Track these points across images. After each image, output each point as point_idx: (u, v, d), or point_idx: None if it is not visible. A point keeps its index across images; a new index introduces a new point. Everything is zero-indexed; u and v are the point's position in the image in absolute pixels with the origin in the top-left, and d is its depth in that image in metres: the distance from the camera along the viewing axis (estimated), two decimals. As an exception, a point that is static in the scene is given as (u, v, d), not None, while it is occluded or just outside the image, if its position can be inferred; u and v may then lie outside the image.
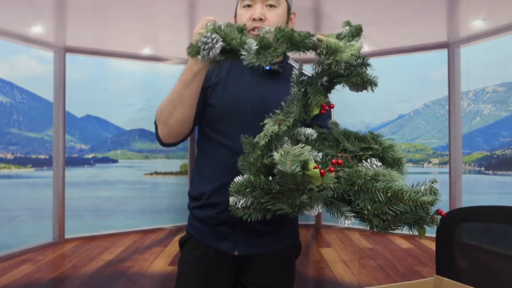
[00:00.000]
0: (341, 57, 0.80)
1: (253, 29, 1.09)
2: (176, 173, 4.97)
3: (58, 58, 4.12)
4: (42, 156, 4.14)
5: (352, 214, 0.77)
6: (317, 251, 3.75)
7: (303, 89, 0.89)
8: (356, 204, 0.76)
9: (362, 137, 0.89)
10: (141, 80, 4.74)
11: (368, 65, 0.88)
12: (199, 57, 0.85)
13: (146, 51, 4.49)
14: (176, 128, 1.09)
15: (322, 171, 0.75)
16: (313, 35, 0.83)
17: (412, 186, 0.79)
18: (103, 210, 4.49)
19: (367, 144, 0.88)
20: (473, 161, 4.16)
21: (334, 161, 0.82)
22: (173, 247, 3.86)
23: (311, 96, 0.87)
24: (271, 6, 1.11)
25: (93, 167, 4.58)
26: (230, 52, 0.85)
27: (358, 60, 0.87)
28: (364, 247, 3.84)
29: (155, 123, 1.13)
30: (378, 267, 3.22)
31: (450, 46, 4.06)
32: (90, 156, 4.58)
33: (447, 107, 4.16)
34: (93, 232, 4.28)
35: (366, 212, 0.75)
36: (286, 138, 0.84)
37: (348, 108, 4.36)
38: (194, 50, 0.86)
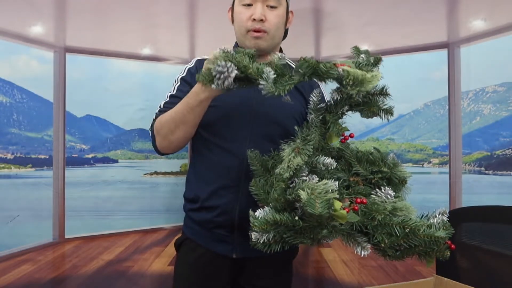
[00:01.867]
0: (366, 87, 0.80)
1: (253, 31, 1.07)
2: (176, 173, 4.97)
3: (58, 58, 4.12)
4: (42, 156, 4.14)
5: (369, 245, 0.79)
6: (317, 251, 3.74)
7: (321, 116, 0.89)
8: (374, 237, 0.78)
9: (373, 160, 0.90)
10: (141, 80, 4.75)
11: (388, 94, 0.89)
12: (213, 86, 0.83)
13: (146, 51, 4.49)
14: (176, 144, 1.08)
15: (347, 209, 0.75)
16: (336, 65, 0.82)
17: (422, 217, 0.81)
18: (103, 210, 4.49)
19: (377, 167, 0.89)
20: (473, 161, 4.16)
21: (359, 200, 0.82)
22: (173, 247, 3.85)
23: (331, 125, 0.87)
24: (272, 7, 1.08)
25: (93, 167, 4.58)
26: (243, 80, 0.84)
27: (377, 87, 0.88)
28: (364, 247, 3.84)
29: (151, 131, 1.11)
30: (378, 267, 3.22)
31: (450, 46, 4.06)
32: (90, 156, 4.58)
33: (447, 107, 4.16)
34: (93, 232, 4.28)
35: (383, 245, 0.77)
36: (304, 167, 0.83)
37: (348, 108, 4.36)
38: (207, 79, 0.84)
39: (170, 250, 3.76)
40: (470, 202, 3.99)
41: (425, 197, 4.18)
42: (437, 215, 0.80)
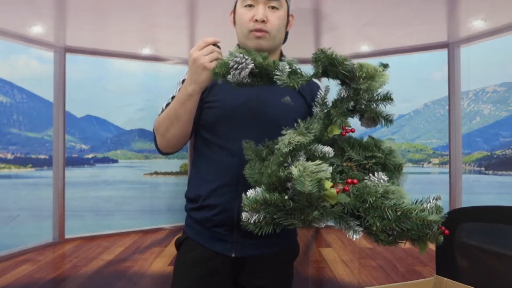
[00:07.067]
0: (377, 82, 0.85)
1: (255, 31, 1.08)
2: (176, 173, 4.97)
3: (58, 58, 4.12)
4: (42, 156, 4.14)
5: (361, 229, 0.78)
6: (317, 251, 3.74)
7: (325, 110, 0.91)
8: (366, 220, 0.77)
9: (365, 145, 0.91)
10: (141, 80, 4.75)
11: (391, 99, 0.92)
12: (228, 77, 0.87)
13: (146, 51, 4.49)
14: (173, 141, 1.11)
15: (338, 190, 0.76)
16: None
17: (416, 202, 0.80)
18: (103, 210, 4.49)
19: (371, 153, 0.89)
20: (473, 161, 4.17)
21: (349, 180, 0.83)
22: (173, 247, 3.84)
23: (335, 117, 0.89)
24: (273, 7, 1.09)
25: (93, 167, 4.58)
26: (255, 76, 0.89)
27: (380, 92, 0.90)
28: (364, 247, 3.84)
29: (153, 132, 1.14)
30: (378, 267, 3.22)
31: (450, 46, 4.06)
32: (90, 156, 4.59)
33: (447, 107, 4.16)
34: (93, 232, 4.28)
35: (375, 228, 0.76)
36: (301, 152, 0.84)
37: (348, 108, 4.36)
38: (222, 70, 0.88)
39: (170, 250, 3.76)
40: (470, 202, 3.99)
41: (425, 197, 4.19)
42: (431, 200, 0.79)
